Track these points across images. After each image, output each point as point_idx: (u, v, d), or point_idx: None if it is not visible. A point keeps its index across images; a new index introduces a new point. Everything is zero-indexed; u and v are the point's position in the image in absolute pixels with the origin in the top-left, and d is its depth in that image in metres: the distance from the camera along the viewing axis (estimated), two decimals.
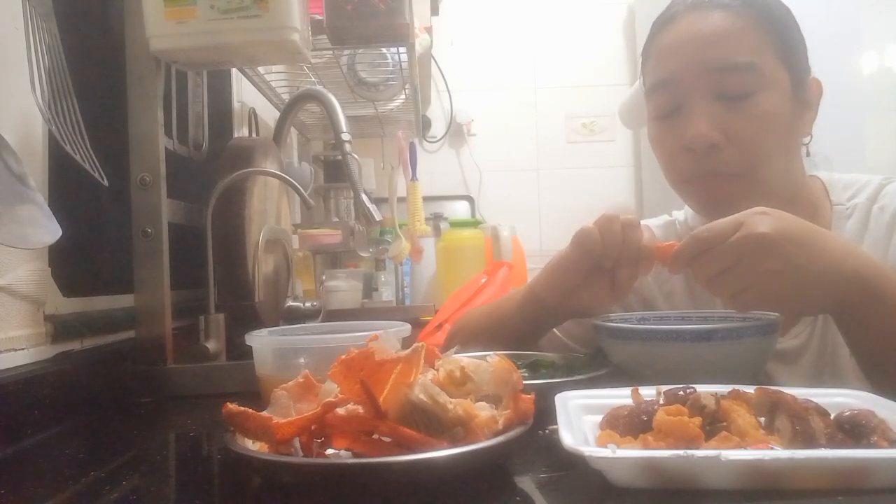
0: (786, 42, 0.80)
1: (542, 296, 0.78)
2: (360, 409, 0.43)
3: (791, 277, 0.60)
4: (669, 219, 1.00)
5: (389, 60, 1.58)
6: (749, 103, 0.77)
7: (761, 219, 0.61)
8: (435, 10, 1.93)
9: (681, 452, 0.38)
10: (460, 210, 2.60)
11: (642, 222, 1.00)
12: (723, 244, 0.61)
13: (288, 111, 1.37)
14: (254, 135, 1.56)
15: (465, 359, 0.49)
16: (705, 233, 0.63)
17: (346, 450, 0.44)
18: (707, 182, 0.81)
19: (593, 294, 0.74)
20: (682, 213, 0.98)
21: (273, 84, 1.49)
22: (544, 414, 0.49)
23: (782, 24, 0.81)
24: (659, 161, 0.88)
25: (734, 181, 0.79)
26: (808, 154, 0.88)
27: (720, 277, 0.62)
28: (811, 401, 0.44)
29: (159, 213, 0.86)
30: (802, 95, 0.81)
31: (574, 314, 0.80)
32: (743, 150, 0.78)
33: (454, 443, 0.42)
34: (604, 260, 0.71)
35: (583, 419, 0.49)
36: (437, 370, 0.48)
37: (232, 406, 0.44)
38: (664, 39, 0.84)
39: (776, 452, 0.39)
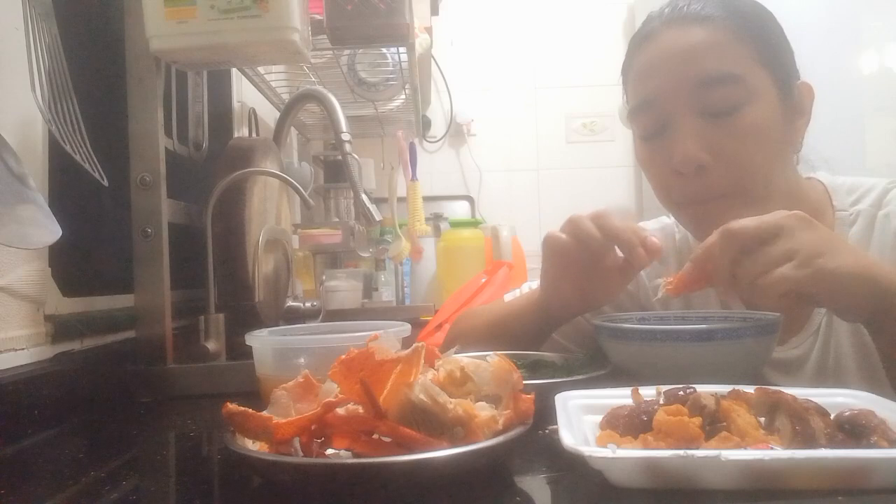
0: (769, 50, 0.78)
1: (560, 309, 0.79)
2: (360, 409, 0.43)
3: (839, 283, 0.59)
4: (668, 221, 0.98)
5: (389, 60, 1.58)
6: (735, 118, 0.75)
7: (802, 233, 0.59)
8: (435, 10, 1.93)
9: (681, 452, 0.38)
10: (460, 210, 2.60)
11: (639, 224, 1.00)
12: (767, 251, 0.59)
13: (288, 111, 1.37)
14: (254, 135, 1.56)
15: (465, 359, 0.49)
16: (740, 235, 0.60)
17: (346, 450, 0.44)
18: (697, 207, 0.80)
19: (605, 285, 0.76)
20: None
21: (273, 84, 1.49)
22: (544, 414, 0.49)
23: (764, 32, 0.79)
24: (650, 182, 0.86)
25: (724, 202, 0.77)
26: (797, 162, 0.86)
27: (765, 278, 0.59)
28: (811, 401, 0.44)
29: (159, 213, 0.86)
30: (792, 102, 0.79)
31: (598, 307, 0.81)
32: (731, 169, 0.76)
33: (454, 443, 0.42)
34: (585, 255, 0.72)
35: (583, 419, 0.49)
36: (437, 370, 0.48)
37: (232, 406, 0.44)
38: (643, 58, 0.82)
39: (776, 452, 0.39)
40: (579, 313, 0.80)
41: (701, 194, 0.78)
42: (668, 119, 0.79)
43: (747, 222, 0.60)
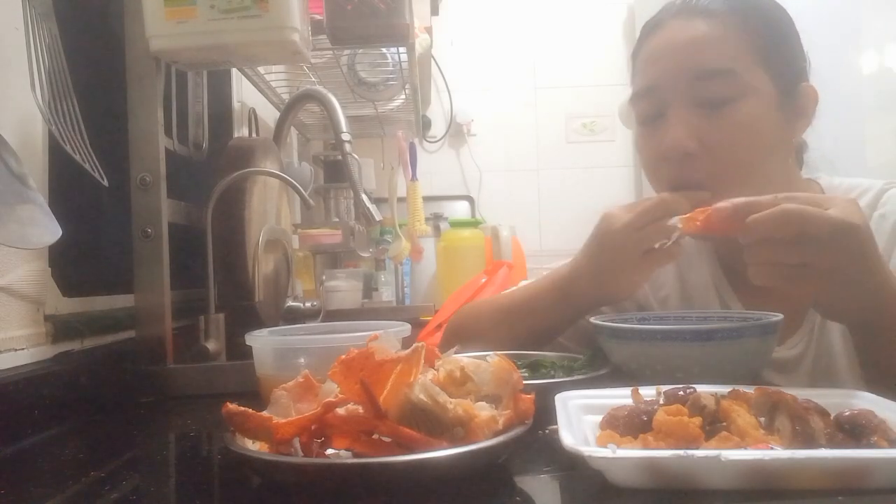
0: (771, 49, 0.79)
1: (598, 292, 0.79)
2: (360, 409, 0.43)
3: (846, 288, 0.60)
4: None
5: (389, 60, 1.58)
6: (727, 111, 0.76)
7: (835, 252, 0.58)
8: (435, 10, 1.93)
9: (681, 452, 0.38)
10: (460, 210, 2.60)
11: None
12: (791, 249, 0.58)
13: (288, 111, 1.37)
14: (254, 135, 1.56)
15: (465, 359, 0.49)
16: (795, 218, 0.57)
17: (346, 450, 0.44)
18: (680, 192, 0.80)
19: (643, 273, 0.76)
20: None
21: (273, 84, 1.49)
22: (544, 414, 0.49)
23: (769, 31, 0.79)
24: (643, 169, 0.88)
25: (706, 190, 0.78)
26: (800, 166, 0.87)
27: (779, 269, 0.60)
28: (811, 401, 0.44)
29: (159, 213, 0.86)
30: (793, 103, 0.80)
31: (621, 299, 0.84)
32: (716, 159, 0.77)
33: (454, 443, 0.42)
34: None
35: (583, 419, 0.49)
36: (437, 370, 0.48)
37: (232, 406, 0.44)
38: (649, 46, 0.84)
39: (776, 452, 0.39)
40: (603, 304, 0.81)
41: (685, 180, 0.79)
42: (664, 106, 0.80)
43: (806, 214, 0.57)
